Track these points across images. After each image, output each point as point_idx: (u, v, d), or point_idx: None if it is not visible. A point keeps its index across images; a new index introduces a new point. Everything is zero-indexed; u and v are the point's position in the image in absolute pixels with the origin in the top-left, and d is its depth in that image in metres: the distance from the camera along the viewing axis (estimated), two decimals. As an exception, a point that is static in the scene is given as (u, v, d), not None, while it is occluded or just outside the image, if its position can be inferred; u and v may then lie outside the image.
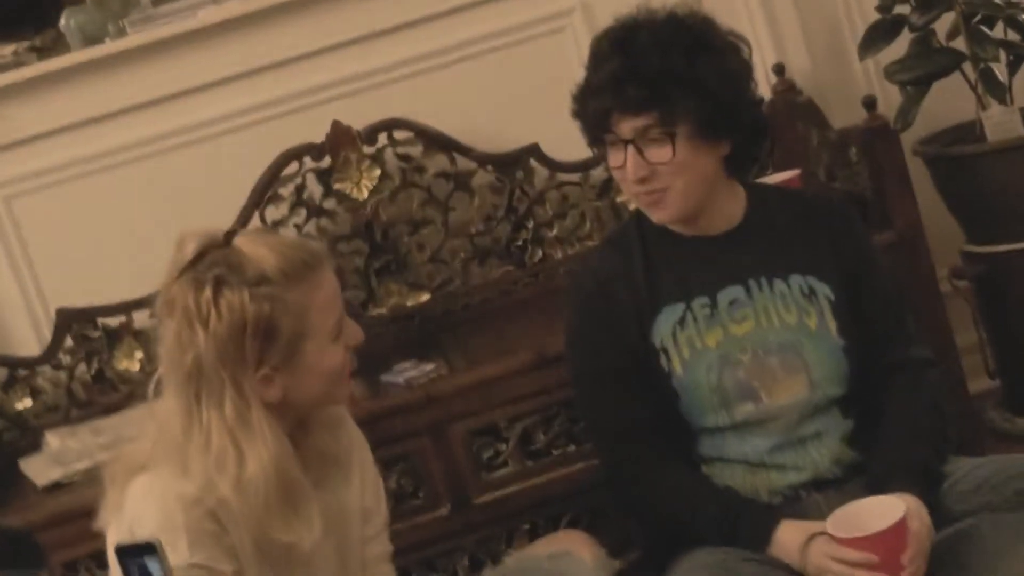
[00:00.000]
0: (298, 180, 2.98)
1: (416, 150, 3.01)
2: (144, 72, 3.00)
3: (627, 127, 2.07)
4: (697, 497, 2.13)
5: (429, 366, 2.63)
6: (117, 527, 1.80)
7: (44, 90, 2.98)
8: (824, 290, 2.15)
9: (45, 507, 2.48)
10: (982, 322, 3.07)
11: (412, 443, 2.56)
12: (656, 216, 2.14)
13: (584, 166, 3.02)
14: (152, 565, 1.53)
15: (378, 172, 2.98)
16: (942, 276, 2.95)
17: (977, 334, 3.07)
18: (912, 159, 2.94)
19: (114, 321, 2.92)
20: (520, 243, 3.06)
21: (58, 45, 3.05)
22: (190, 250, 1.83)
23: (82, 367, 2.92)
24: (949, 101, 3.07)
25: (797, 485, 2.12)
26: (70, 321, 2.91)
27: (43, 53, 3.03)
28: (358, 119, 2.98)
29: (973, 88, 3.02)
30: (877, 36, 3.04)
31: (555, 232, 3.06)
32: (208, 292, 1.79)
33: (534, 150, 3.04)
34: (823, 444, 2.13)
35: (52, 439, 2.73)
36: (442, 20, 3.08)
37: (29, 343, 3.00)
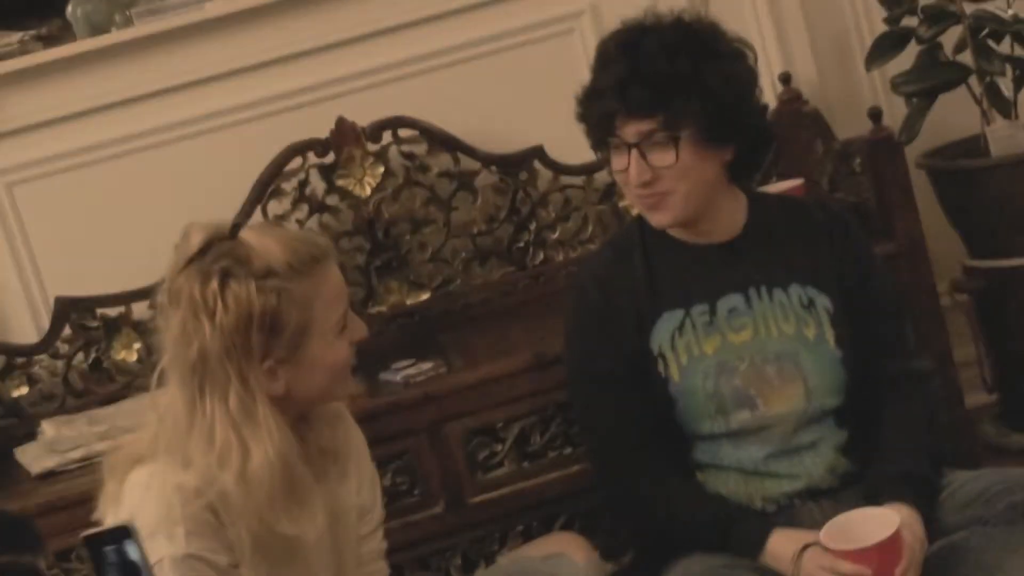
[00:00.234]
0: (301, 175, 2.98)
1: (420, 149, 3.01)
2: (149, 63, 3.00)
3: (631, 131, 2.07)
4: (691, 503, 2.13)
5: (427, 365, 2.63)
6: (115, 518, 1.79)
7: (49, 78, 2.97)
8: (823, 301, 2.15)
9: (38, 495, 2.48)
10: (981, 336, 3.06)
11: (409, 441, 2.56)
12: (655, 220, 2.14)
13: (588, 169, 3.01)
14: (126, 549, 1.51)
15: (381, 170, 2.99)
16: (942, 289, 2.96)
17: (975, 348, 3.07)
18: (916, 171, 2.95)
19: (113, 311, 2.92)
20: (522, 244, 3.06)
21: (64, 34, 3.04)
22: (196, 241, 1.83)
23: (80, 356, 2.92)
24: (954, 115, 3.07)
25: (791, 494, 2.12)
26: (69, 310, 2.90)
27: (49, 42, 3.02)
28: (363, 116, 2.98)
29: (978, 102, 3.02)
30: (884, 48, 3.04)
31: (557, 235, 3.06)
32: (215, 284, 1.79)
33: (538, 152, 3.04)
34: (818, 453, 2.13)
35: (47, 428, 2.72)
36: (450, 19, 3.08)
37: (27, 331, 2.99)
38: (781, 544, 2.02)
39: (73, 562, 2.46)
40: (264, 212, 2.96)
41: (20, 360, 2.92)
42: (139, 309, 2.90)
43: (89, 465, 2.46)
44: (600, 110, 2.10)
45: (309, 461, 1.90)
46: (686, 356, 2.12)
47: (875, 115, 2.83)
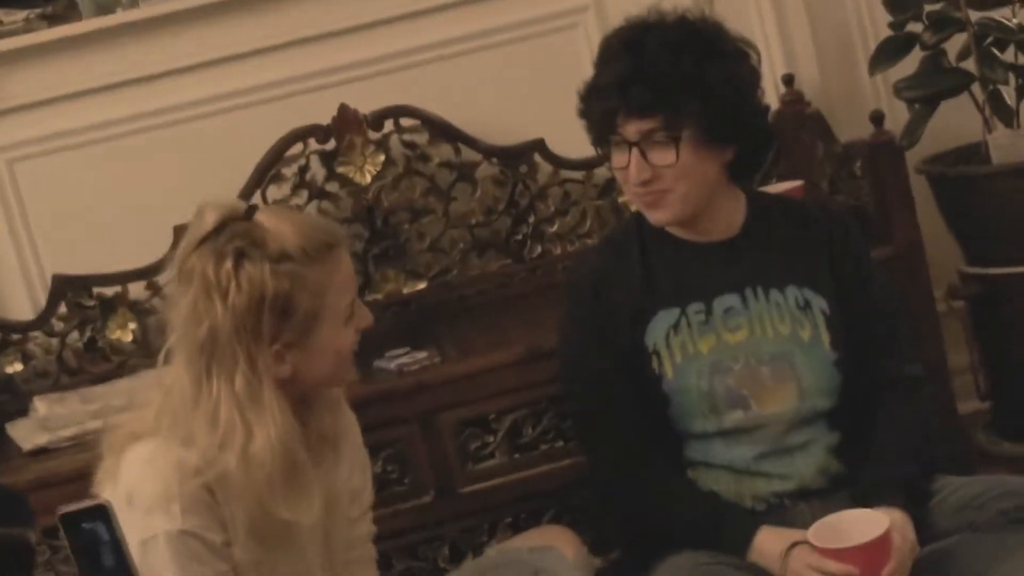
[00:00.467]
0: (302, 161, 2.98)
1: (422, 138, 3.01)
2: (154, 44, 2.99)
3: (632, 129, 2.07)
4: (680, 499, 2.13)
5: (422, 354, 2.63)
6: (112, 493, 1.79)
7: (53, 57, 2.97)
8: (819, 303, 2.15)
9: (29, 471, 2.48)
10: (976, 343, 3.07)
11: (400, 429, 2.56)
12: (653, 217, 2.14)
13: (588, 164, 3.02)
14: (101, 529, 1.51)
15: (382, 158, 2.99)
16: (939, 295, 2.96)
17: (970, 355, 3.07)
18: (915, 177, 2.95)
19: (109, 291, 2.92)
20: (520, 237, 3.06)
21: (69, 13, 3.04)
22: (211, 220, 1.83)
23: (75, 335, 2.92)
24: (956, 121, 3.07)
25: (782, 493, 2.13)
26: (65, 288, 2.90)
27: (54, 20, 3.02)
28: (366, 104, 2.98)
29: (980, 110, 3.02)
30: (888, 52, 3.04)
31: (555, 228, 3.07)
32: (229, 264, 1.79)
33: (539, 145, 3.04)
34: (809, 455, 2.14)
35: (40, 404, 2.72)
36: (456, 10, 3.08)
37: (23, 308, 2.99)
38: (769, 541, 2.03)
39: (61, 539, 2.45)
40: (264, 197, 2.96)
41: (15, 336, 2.92)
42: (135, 289, 2.90)
43: (80, 443, 2.47)
44: (601, 107, 2.10)
45: (309, 446, 1.90)
46: (681, 354, 2.13)
47: (877, 119, 2.83)
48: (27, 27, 2.97)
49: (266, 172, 2.96)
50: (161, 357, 1.87)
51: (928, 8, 3.02)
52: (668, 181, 2.08)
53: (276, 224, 1.84)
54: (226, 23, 3.00)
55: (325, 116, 2.96)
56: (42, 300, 2.95)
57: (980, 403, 3.11)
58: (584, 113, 2.16)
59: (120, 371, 2.88)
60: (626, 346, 2.14)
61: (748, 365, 2.12)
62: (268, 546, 1.87)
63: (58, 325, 2.92)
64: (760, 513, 2.11)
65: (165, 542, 1.75)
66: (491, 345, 2.68)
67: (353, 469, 2.04)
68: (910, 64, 3.04)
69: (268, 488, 1.80)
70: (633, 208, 2.24)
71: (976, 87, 3.00)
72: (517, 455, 2.61)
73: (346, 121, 2.96)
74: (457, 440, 2.58)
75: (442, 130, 3.01)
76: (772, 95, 3.02)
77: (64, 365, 2.92)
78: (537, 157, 3.05)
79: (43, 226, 3.01)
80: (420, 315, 2.98)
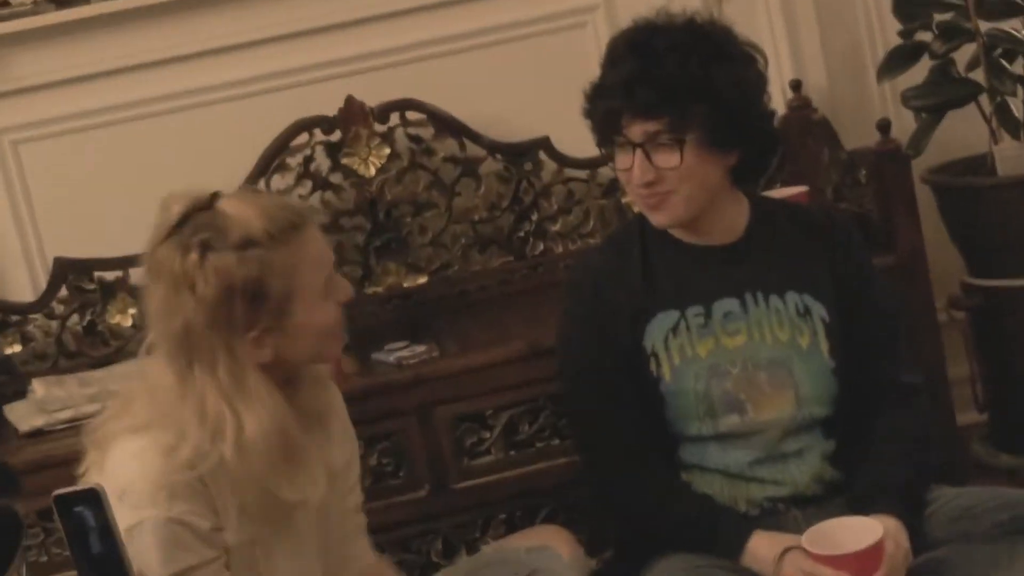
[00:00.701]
0: (307, 151, 2.98)
1: (427, 132, 3.01)
2: (162, 29, 2.99)
3: (637, 130, 2.07)
4: (674, 501, 2.13)
5: (421, 348, 2.63)
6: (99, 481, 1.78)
7: (61, 39, 2.97)
8: (819, 310, 2.15)
9: (25, 453, 2.48)
10: (975, 355, 3.07)
11: (397, 423, 2.56)
12: (655, 219, 2.14)
13: (593, 163, 3.02)
14: (92, 513, 1.51)
15: (387, 151, 2.99)
16: (940, 305, 2.96)
17: (969, 366, 3.07)
18: (920, 186, 2.95)
19: (110, 275, 2.92)
20: (522, 234, 3.06)
21: (78, -3, 3.04)
22: (175, 212, 1.81)
23: (75, 318, 2.92)
24: (962, 132, 3.07)
25: (776, 499, 2.12)
26: (67, 271, 2.91)
27: (62, 3, 3.02)
28: (373, 96, 2.98)
29: (988, 121, 3.02)
30: (897, 60, 3.04)
31: (558, 227, 3.07)
32: (194, 256, 1.77)
33: (544, 143, 3.05)
34: (804, 461, 2.13)
35: (38, 387, 2.72)
36: (466, 5, 3.09)
37: (24, 289, 3.00)
38: (762, 546, 2.02)
39: (55, 521, 2.45)
40: (267, 186, 2.96)
41: (15, 318, 2.92)
42: (136, 274, 2.90)
43: (77, 426, 2.46)
44: (607, 108, 2.10)
45: (300, 425, 1.89)
46: (679, 357, 2.12)
47: (883, 127, 2.83)
48: (35, 9, 2.97)
49: (271, 161, 2.96)
50: (143, 350, 1.86)
51: (938, 18, 3.02)
52: (671, 183, 2.08)
53: (240, 210, 1.82)
54: (235, 11, 3.00)
55: (331, 107, 2.96)
56: (43, 283, 2.95)
57: (978, 415, 3.11)
58: (589, 113, 2.16)
59: (119, 356, 2.88)
60: (625, 346, 2.14)
61: (746, 370, 2.12)
62: (267, 527, 1.86)
63: (58, 308, 2.92)
64: (753, 518, 2.11)
65: (151, 529, 1.73)
66: (490, 341, 2.68)
67: (344, 442, 2.04)
68: (918, 73, 3.04)
69: (271, 472, 1.79)
70: (636, 209, 2.24)
71: (984, 98, 3.00)
72: (513, 452, 2.61)
73: (352, 113, 2.96)
74: (453, 435, 2.58)
75: (448, 125, 3.01)
76: (779, 100, 3.02)
77: (63, 348, 2.92)
78: (542, 155, 3.05)
79: (46, 209, 3.02)
80: (420, 309, 2.98)
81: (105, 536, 1.51)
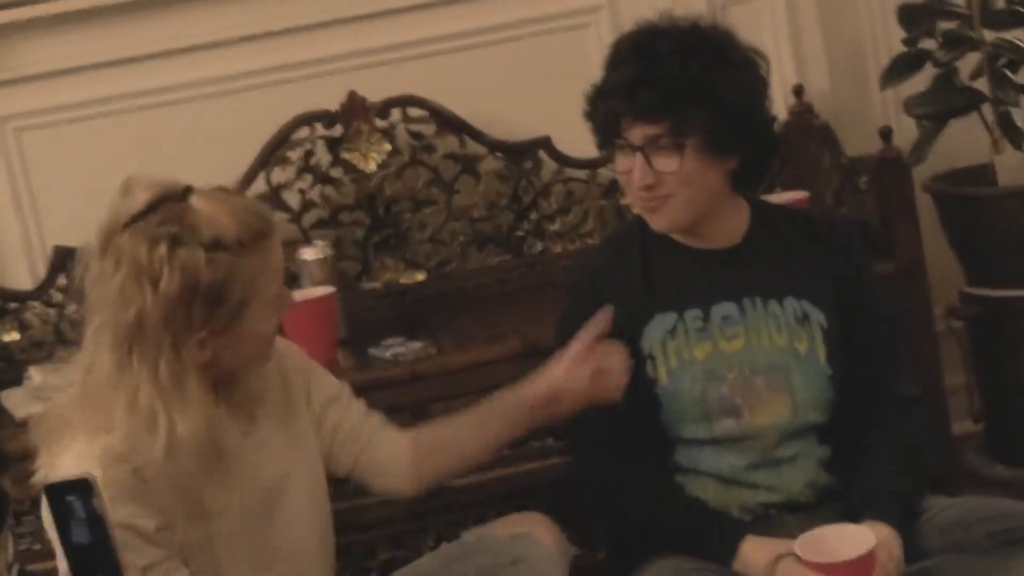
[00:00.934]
0: (308, 145, 2.99)
1: (428, 129, 3.02)
2: (167, 21, 3.00)
3: (638, 133, 2.06)
4: (667, 504, 2.13)
5: (417, 344, 2.63)
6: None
7: (66, 28, 2.97)
8: (818, 317, 2.15)
9: (20, 439, 2.47)
10: (972, 365, 3.07)
11: (393, 418, 2.53)
12: (654, 223, 2.14)
13: (593, 164, 3.02)
14: (80, 503, 1.51)
15: (388, 147, 2.99)
16: (938, 314, 2.96)
17: (966, 376, 3.07)
18: (921, 194, 2.95)
19: (109, 265, 2.92)
20: (521, 233, 3.06)
21: (84, -15, 3.04)
22: (143, 199, 1.77)
23: (73, 307, 2.92)
24: (964, 141, 3.08)
25: (769, 505, 2.12)
26: (66, 260, 2.91)
27: (68, -9, 3.03)
28: (375, 92, 2.98)
29: (990, 131, 3.02)
30: (900, 68, 3.04)
31: (557, 226, 3.07)
32: (163, 249, 1.73)
33: (545, 142, 3.05)
34: (798, 467, 2.13)
35: (35, 374, 2.73)
36: (470, 3, 3.09)
37: (22, 277, 3.00)
38: (754, 552, 2.02)
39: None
40: (268, 179, 2.97)
41: (13, 305, 2.93)
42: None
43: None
44: (608, 110, 2.09)
45: (239, 413, 1.89)
46: (676, 360, 2.12)
47: (885, 134, 2.83)
48: (41, -3, 2.98)
49: (271, 154, 2.97)
50: (87, 337, 1.82)
51: (942, 26, 3.02)
52: (671, 187, 2.08)
53: (212, 210, 1.78)
54: (239, 3, 3.01)
55: (333, 102, 2.97)
56: (42, 271, 2.96)
57: (974, 424, 3.11)
58: (590, 115, 2.15)
59: (115, 345, 2.87)
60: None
61: (742, 374, 2.11)
62: (250, 520, 1.86)
63: (56, 296, 2.92)
64: (746, 523, 2.10)
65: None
66: (487, 339, 2.69)
67: (313, 394, 2.03)
68: (921, 81, 3.05)
69: (196, 477, 1.77)
70: (635, 210, 2.24)
71: (987, 108, 3.01)
72: (507, 450, 2.61)
73: (354, 108, 2.97)
74: (448, 432, 2.58)
75: (449, 122, 3.01)
76: (781, 105, 3.02)
77: (61, 336, 2.92)
78: (542, 154, 3.06)
79: (47, 197, 3.02)
80: (417, 305, 2.98)
81: (95, 526, 1.50)
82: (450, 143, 3.03)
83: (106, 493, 1.64)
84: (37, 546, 2.48)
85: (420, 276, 3.01)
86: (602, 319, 2.04)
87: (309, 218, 3.00)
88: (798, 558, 1.92)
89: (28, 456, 2.33)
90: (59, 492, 1.51)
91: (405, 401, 2.56)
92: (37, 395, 2.62)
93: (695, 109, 2.03)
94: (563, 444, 2.53)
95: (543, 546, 2.10)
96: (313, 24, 3.04)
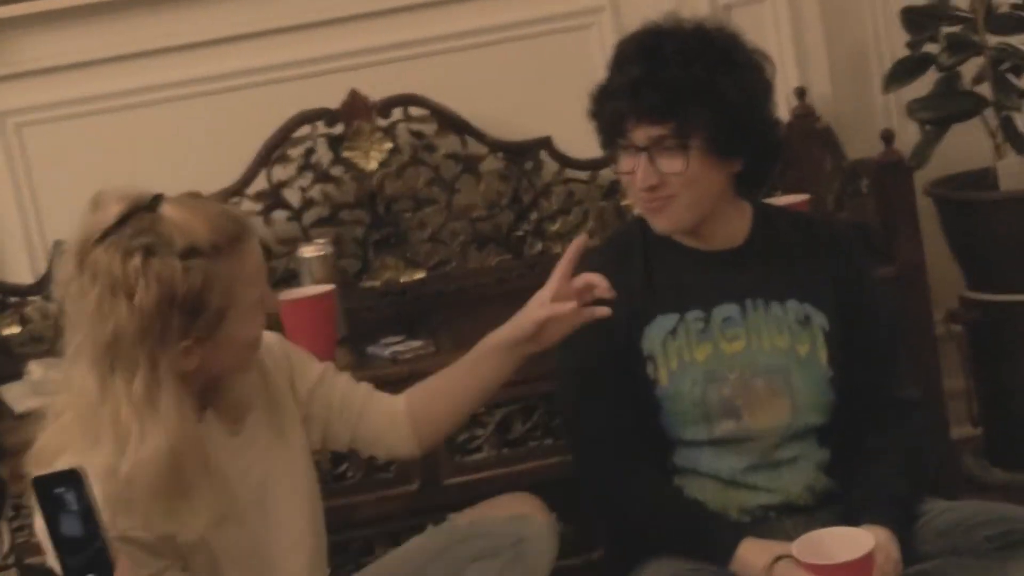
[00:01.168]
0: (309, 143, 2.99)
1: (429, 128, 3.01)
2: (170, 17, 2.99)
3: (642, 134, 2.06)
4: (666, 505, 2.13)
5: (416, 343, 2.64)
6: None
7: (66, 24, 2.97)
8: (820, 319, 2.15)
9: (18, 434, 2.47)
10: (972, 369, 3.07)
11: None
12: (657, 224, 2.14)
13: (594, 165, 3.02)
14: (71, 495, 1.50)
15: (389, 145, 2.99)
16: (938, 318, 2.95)
17: (965, 380, 3.07)
18: (922, 198, 2.94)
19: (109, 260, 2.92)
20: (521, 233, 3.06)
21: (87, -20, 3.04)
22: (114, 211, 1.75)
23: (71, 302, 2.91)
24: (966, 145, 3.08)
25: (767, 507, 2.12)
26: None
27: (72, -14, 3.03)
28: (376, 90, 2.98)
29: (992, 135, 3.02)
30: (903, 71, 3.04)
31: (557, 227, 3.07)
32: (137, 261, 1.71)
33: (546, 143, 3.05)
34: (797, 470, 2.13)
35: (35, 369, 2.72)
36: (472, 3, 3.09)
37: (23, 272, 2.99)
38: (752, 553, 2.02)
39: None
40: (268, 176, 2.97)
41: (13, 300, 2.92)
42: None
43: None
44: (612, 110, 2.09)
45: (226, 417, 1.88)
46: (676, 361, 2.12)
47: (887, 138, 2.83)
48: (44, -8, 2.98)
49: (272, 152, 2.96)
50: (68, 356, 1.79)
51: (946, 30, 3.02)
52: (674, 188, 2.07)
53: (184, 217, 1.76)
54: (243, 0, 3.00)
55: (335, 100, 2.97)
56: (42, 266, 2.95)
57: (972, 428, 3.11)
58: (594, 115, 2.15)
59: (115, 341, 2.87)
60: (622, 349, 2.13)
61: (743, 376, 2.11)
62: (244, 520, 1.86)
63: (57, 291, 2.92)
64: (744, 525, 2.10)
65: (119, 556, 1.67)
66: (486, 339, 2.68)
67: (298, 378, 2.02)
68: (924, 85, 3.04)
69: (150, 498, 1.73)
70: (636, 211, 2.24)
71: (989, 112, 3.01)
72: (505, 450, 2.62)
73: (355, 106, 2.96)
74: (446, 431, 2.58)
75: (450, 121, 3.01)
76: (783, 108, 3.01)
77: (61, 331, 2.90)
78: (543, 154, 3.05)
79: (48, 192, 3.01)
80: (417, 304, 2.98)
81: (86, 518, 1.50)
82: (451, 142, 3.03)
83: (105, 507, 1.63)
84: (35, 538, 2.48)
85: (420, 275, 3.01)
86: (577, 247, 2.04)
87: (309, 216, 3.00)
88: (796, 560, 1.92)
89: (28, 450, 2.35)
90: (48, 485, 1.50)
91: (404, 400, 2.56)
92: (37, 389, 2.62)
93: (699, 110, 2.03)
94: (561, 444, 2.53)
95: (540, 524, 2.11)
96: (315, 22, 3.04)
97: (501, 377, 2.11)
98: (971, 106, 3.01)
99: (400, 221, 3.01)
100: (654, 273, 2.17)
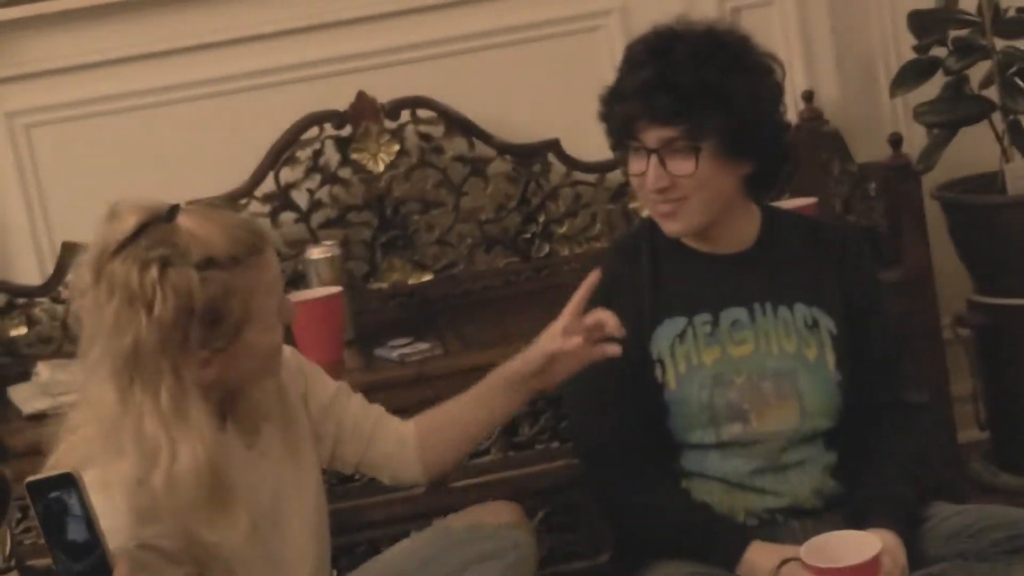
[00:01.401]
0: (317, 145, 2.99)
1: (437, 130, 3.02)
2: (178, 18, 3.00)
3: (653, 136, 2.06)
4: (673, 508, 2.13)
5: (424, 345, 2.64)
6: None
7: (75, 25, 2.97)
8: (827, 323, 2.15)
9: (26, 435, 2.48)
10: (979, 373, 3.06)
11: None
12: (668, 228, 2.13)
13: (601, 167, 3.02)
14: (70, 500, 1.50)
15: (397, 148, 2.99)
16: (945, 322, 2.95)
17: (972, 384, 3.07)
18: (930, 202, 2.95)
19: (117, 261, 2.92)
20: (528, 236, 3.07)
21: (96, -18, 3.05)
22: (131, 223, 1.73)
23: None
24: (973, 149, 3.07)
25: (775, 510, 2.12)
26: (74, 256, 2.87)
27: (80, -13, 3.03)
28: (384, 93, 2.99)
29: (999, 139, 3.02)
30: (911, 75, 3.04)
31: (564, 229, 3.07)
32: (154, 273, 1.70)
33: (554, 145, 3.05)
34: (805, 473, 2.13)
35: (43, 370, 2.73)
36: (480, 5, 3.09)
37: (31, 272, 3.00)
38: (760, 556, 2.02)
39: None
40: (276, 178, 2.97)
41: (21, 301, 2.93)
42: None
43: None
44: (623, 112, 2.09)
45: (243, 428, 1.88)
46: (684, 364, 2.12)
47: (895, 141, 2.83)
48: (53, -8, 2.98)
49: (280, 154, 2.97)
50: (86, 368, 1.78)
51: (954, 34, 3.01)
52: (685, 190, 2.07)
53: (201, 227, 1.75)
54: (250, 2, 3.01)
55: (343, 102, 2.97)
56: (50, 266, 2.96)
57: (980, 432, 3.11)
58: (605, 117, 2.15)
59: (122, 342, 2.88)
60: (631, 352, 2.13)
61: (751, 380, 2.11)
62: (259, 530, 1.86)
63: (65, 292, 2.92)
64: (751, 528, 2.10)
65: (118, 559, 1.62)
66: (493, 341, 2.68)
67: (312, 398, 2.03)
68: (931, 89, 3.04)
69: (192, 510, 1.72)
70: (644, 214, 2.23)
71: (997, 116, 3.00)
72: (512, 453, 2.62)
73: (363, 108, 2.97)
74: (454, 433, 2.58)
75: (458, 123, 3.02)
76: (791, 111, 3.00)
77: (68, 332, 2.91)
78: (551, 157, 3.06)
79: (56, 193, 3.02)
80: (424, 307, 2.98)
81: (81, 521, 1.50)
82: (459, 145, 3.03)
83: (131, 515, 1.66)
84: (43, 540, 2.48)
85: (427, 277, 3.01)
86: (590, 283, 2.04)
87: (317, 218, 3.00)
88: (803, 563, 1.92)
89: (35, 452, 2.35)
90: (43, 489, 1.50)
91: (411, 402, 2.55)
92: (44, 390, 2.63)
93: (710, 113, 2.03)
94: (568, 447, 2.53)
95: (529, 534, 2.13)
96: (323, 24, 3.04)
97: (509, 411, 2.12)
98: (979, 110, 3.01)
99: (408, 223, 3.01)
100: (662, 276, 2.17)
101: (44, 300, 2.92)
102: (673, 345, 2.13)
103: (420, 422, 2.12)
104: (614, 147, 2.17)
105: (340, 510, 2.17)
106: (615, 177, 3.02)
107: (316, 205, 3.00)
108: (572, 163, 3.05)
